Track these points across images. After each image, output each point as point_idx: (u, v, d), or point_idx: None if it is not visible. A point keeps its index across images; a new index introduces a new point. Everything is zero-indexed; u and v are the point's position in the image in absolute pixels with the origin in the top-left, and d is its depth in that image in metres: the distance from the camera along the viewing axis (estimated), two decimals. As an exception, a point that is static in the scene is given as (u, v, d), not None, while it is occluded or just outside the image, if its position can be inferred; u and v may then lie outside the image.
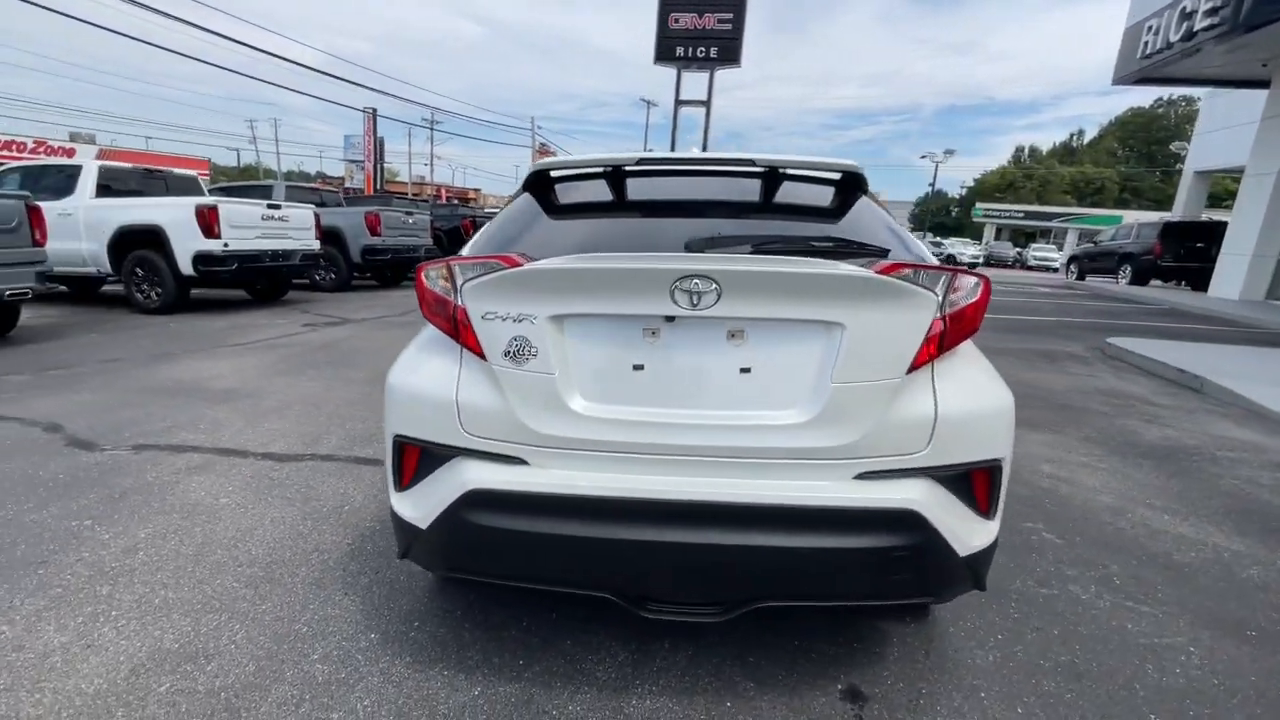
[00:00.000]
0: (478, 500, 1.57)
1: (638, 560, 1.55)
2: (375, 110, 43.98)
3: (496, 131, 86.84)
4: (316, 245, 9.29)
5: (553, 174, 2.15)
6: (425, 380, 1.69)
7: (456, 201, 38.26)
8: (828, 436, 1.54)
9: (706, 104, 26.46)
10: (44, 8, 16.27)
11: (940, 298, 1.53)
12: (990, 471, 1.65)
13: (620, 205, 2.04)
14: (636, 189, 2.09)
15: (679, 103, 27.03)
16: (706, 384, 1.57)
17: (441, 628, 2.04)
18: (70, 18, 17.40)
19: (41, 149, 30.54)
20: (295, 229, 8.57)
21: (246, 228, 7.75)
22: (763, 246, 1.65)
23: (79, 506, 2.81)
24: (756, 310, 1.53)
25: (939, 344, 1.55)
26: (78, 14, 17.73)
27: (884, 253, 1.74)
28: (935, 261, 1.77)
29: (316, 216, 9.19)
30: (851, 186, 2.07)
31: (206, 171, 41.81)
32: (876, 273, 1.52)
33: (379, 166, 45.72)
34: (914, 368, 1.54)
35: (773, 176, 2.02)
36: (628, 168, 2.06)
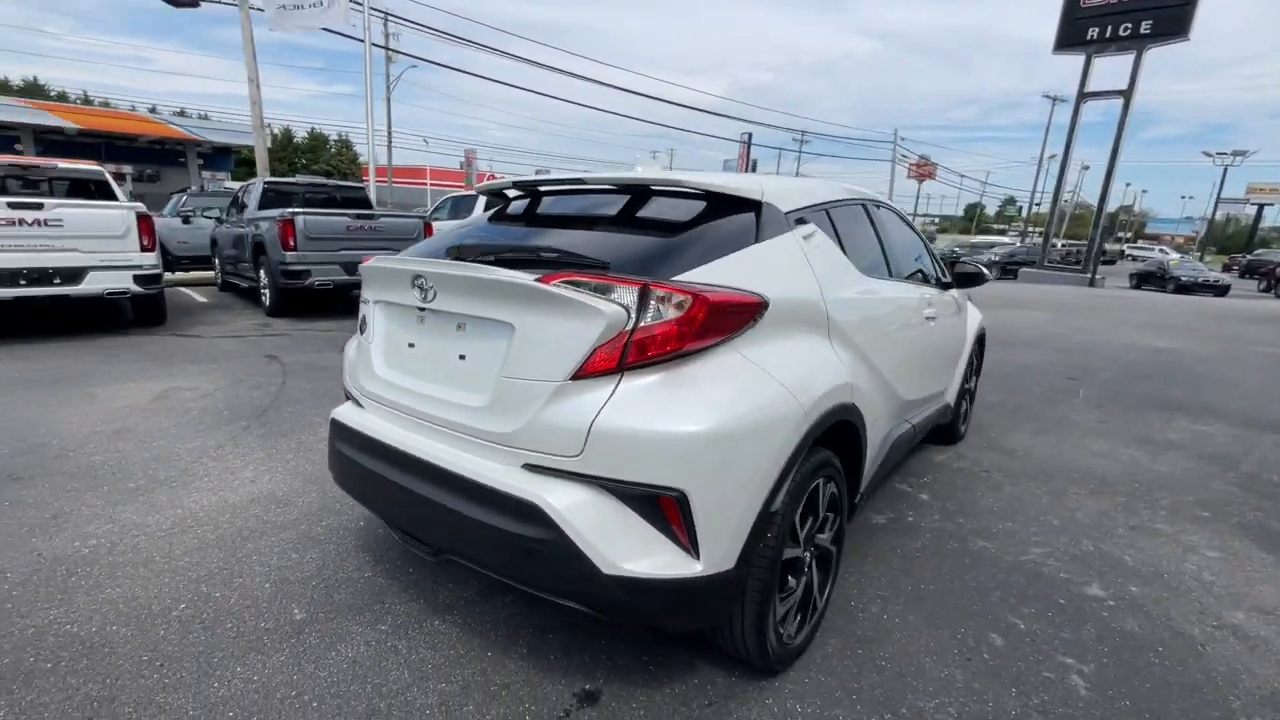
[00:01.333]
0: (336, 430, 2.20)
1: (387, 495, 1.94)
2: (750, 135, 47.78)
3: (870, 148, 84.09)
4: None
5: (501, 192, 2.59)
6: (351, 343, 2.40)
7: None
8: (493, 423, 1.66)
9: (1126, 94, 20.82)
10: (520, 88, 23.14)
11: (629, 312, 1.48)
12: (675, 501, 1.48)
13: (517, 217, 2.34)
14: (546, 205, 2.34)
15: (1083, 96, 21.97)
16: (441, 364, 1.85)
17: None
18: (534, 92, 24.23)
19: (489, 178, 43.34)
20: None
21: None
22: (499, 256, 1.82)
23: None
24: (462, 307, 1.76)
25: (620, 357, 1.48)
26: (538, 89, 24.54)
27: (604, 266, 1.68)
28: (674, 282, 1.59)
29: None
30: (724, 203, 1.90)
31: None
32: (539, 282, 1.58)
33: (749, 187, 49.45)
34: (580, 375, 1.52)
35: (630, 193, 2.05)
36: (542, 188, 2.36)
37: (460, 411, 1.74)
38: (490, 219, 2.34)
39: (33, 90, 47.44)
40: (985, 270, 3.49)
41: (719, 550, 1.49)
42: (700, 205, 1.91)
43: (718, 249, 1.73)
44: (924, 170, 55.35)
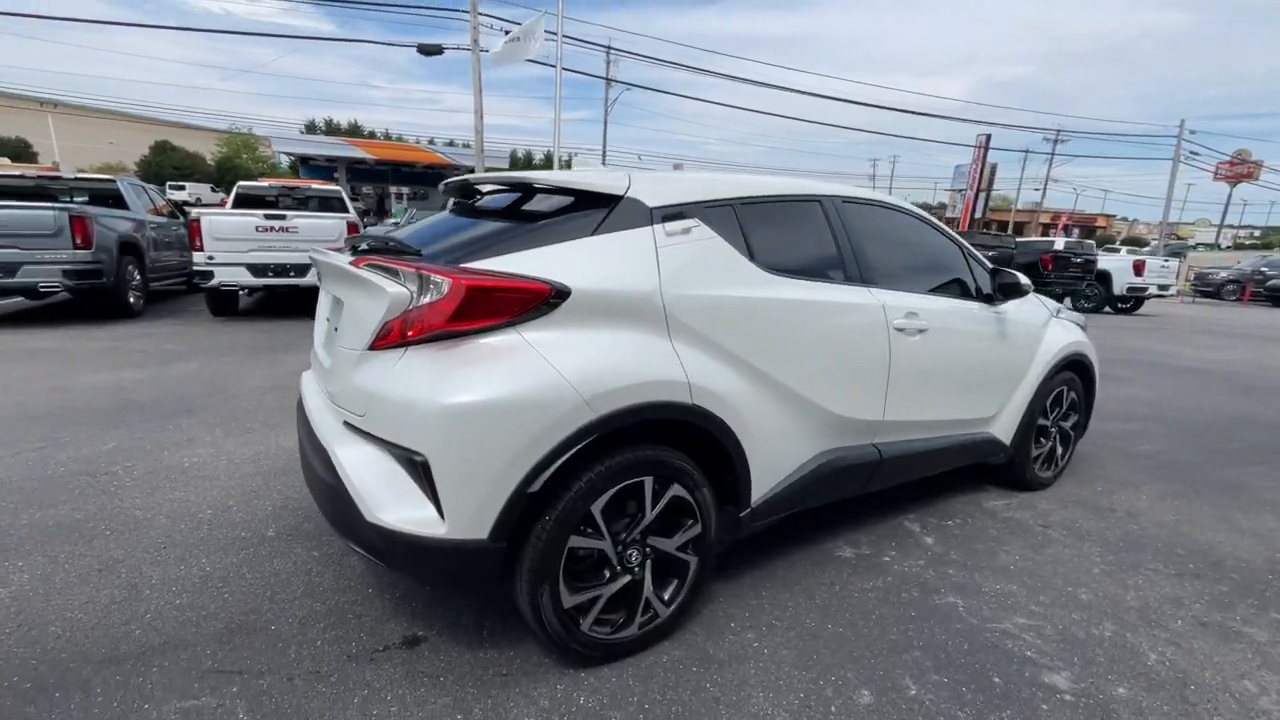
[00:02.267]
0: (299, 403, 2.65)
1: (302, 453, 2.28)
2: (989, 136, 42.56)
3: (1154, 146, 68.54)
4: None
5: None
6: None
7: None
8: (330, 385, 1.93)
9: None
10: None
11: (412, 294, 1.66)
12: (421, 464, 1.60)
13: (451, 213, 2.49)
14: (479, 201, 2.42)
15: None
16: (331, 339, 2.14)
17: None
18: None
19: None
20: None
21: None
22: (370, 245, 2.04)
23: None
24: (333, 289, 2.06)
25: (402, 332, 1.66)
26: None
27: (417, 253, 1.82)
28: (460, 269, 1.67)
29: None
30: (584, 199, 1.93)
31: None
32: (349, 265, 1.84)
33: (981, 194, 44.17)
34: (375, 346, 1.71)
35: (521, 190, 2.15)
36: (479, 186, 2.54)
37: (324, 377, 2.05)
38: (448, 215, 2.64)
39: (353, 130, 61.04)
40: (1023, 281, 2.86)
41: (465, 518, 1.58)
42: (564, 200, 1.98)
43: (542, 240, 1.81)
44: (1240, 170, 43.71)
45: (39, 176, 8.90)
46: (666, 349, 1.82)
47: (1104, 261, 14.82)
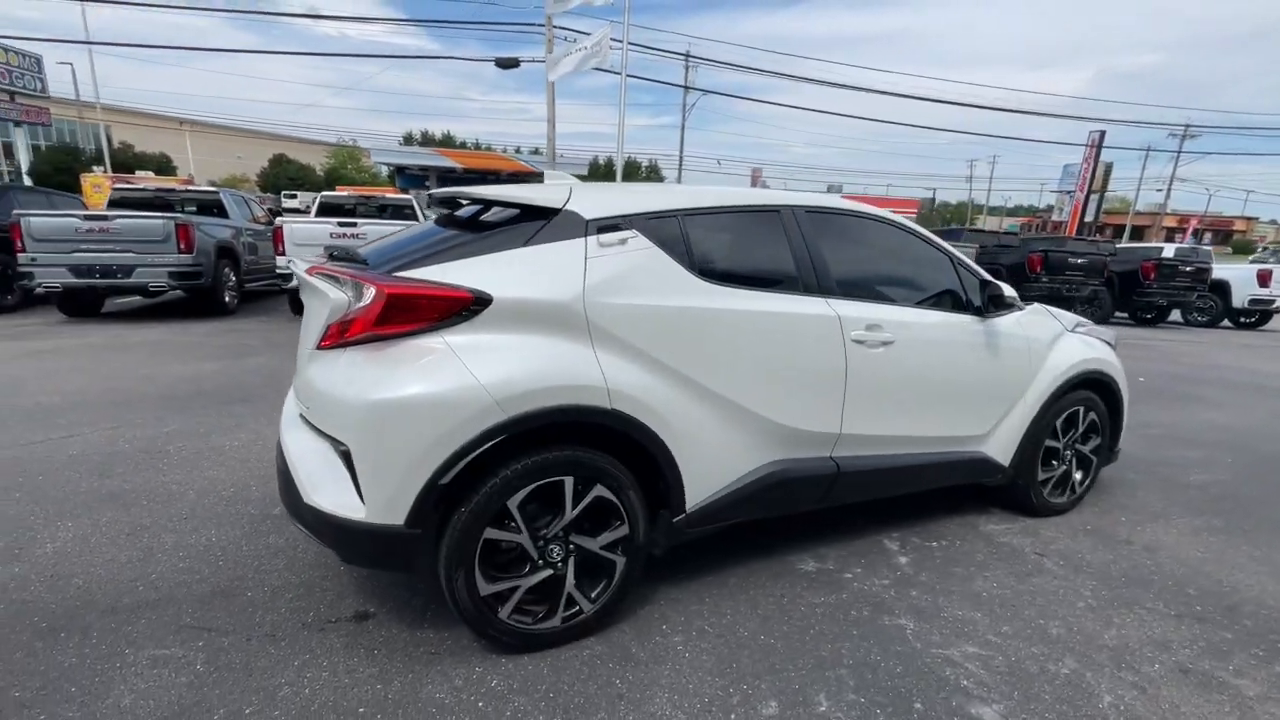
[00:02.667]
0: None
1: None
2: (1102, 133, 39.28)
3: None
4: None
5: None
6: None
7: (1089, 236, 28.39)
8: (295, 381, 2.15)
9: None
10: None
11: (349, 299, 1.83)
12: (344, 454, 1.77)
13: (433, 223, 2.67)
14: (457, 212, 2.61)
15: None
16: (302, 339, 2.31)
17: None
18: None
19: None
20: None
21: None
22: (333, 254, 2.22)
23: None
24: (303, 294, 2.24)
25: (339, 333, 1.83)
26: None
27: (364, 262, 1.98)
28: (394, 278, 1.81)
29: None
30: (528, 212, 2.05)
31: (914, 211, 47.80)
32: (306, 273, 2.03)
33: (1093, 195, 40.78)
34: (321, 346, 1.88)
35: (480, 203, 2.28)
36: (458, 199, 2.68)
37: (296, 374, 2.27)
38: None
39: (445, 141, 64.53)
40: (1006, 292, 2.67)
41: (380, 505, 1.73)
42: (513, 213, 2.11)
43: (480, 251, 1.94)
44: None
45: (157, 189, 10.15)
46: (587, 355, 1.90)
47: (1222, 270, 13.33)
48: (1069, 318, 3.20)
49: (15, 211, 7.54)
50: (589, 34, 12.95)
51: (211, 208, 9.76)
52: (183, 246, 7.81)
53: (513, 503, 1.84)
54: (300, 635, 2.02)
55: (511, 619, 1.92)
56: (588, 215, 2.03)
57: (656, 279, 2.06)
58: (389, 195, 10.43)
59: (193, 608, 2.14)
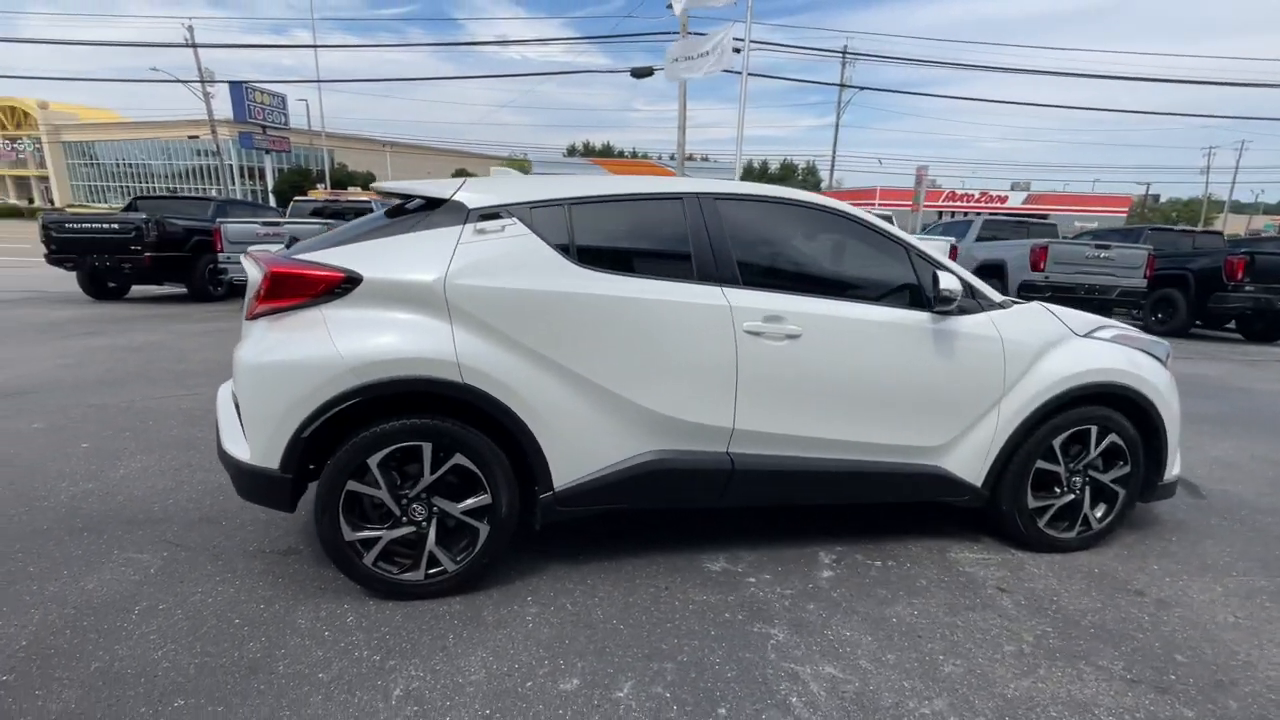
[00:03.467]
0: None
1: None
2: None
3: None
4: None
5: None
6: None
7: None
8: None
9: None
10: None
11: (259, 279, 2.15)
12: (237, 407, 2.11)
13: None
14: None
15: None
16: None
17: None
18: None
19: (983, 198, 39.00)
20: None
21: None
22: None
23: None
24: None
25: (253, 307, 2.15)
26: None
27: (289, 245, 2.28)
28: (291, 260, 2.06)
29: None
30: (428, 202, 2.24)
31: (1125, 210, 40.97)
32: (245, 255, 2.40)
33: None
34: (247, 318, 2.17)
35: (403, 197, 2.50)
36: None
37: None
38: None
39: (606, 151, 67.87)
40: (947, 286, 2.29)
41: (259, 451, 2.04)
42: (419, 204, 2.34)
43: (375, 236, 2.20)
44: None
45: (325, 199, 12.10)
46: (443, 332, 2.06)
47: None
48: (1083, 319, 2.70)
49: (219, 220, 9.44)
50: (705, 34, 13.00)
51: (367, 212, 11.40)
52: None
53: (373, 461, 2.06)
54: (235, 559, 2.42)
55: (377, 565, 2.14)
56: (470, 205, 2.19)
57: (527, 264, 2.15)
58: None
59: (179, 528, 2.64)
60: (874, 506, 2.88)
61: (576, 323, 2.16)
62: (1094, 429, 2.57)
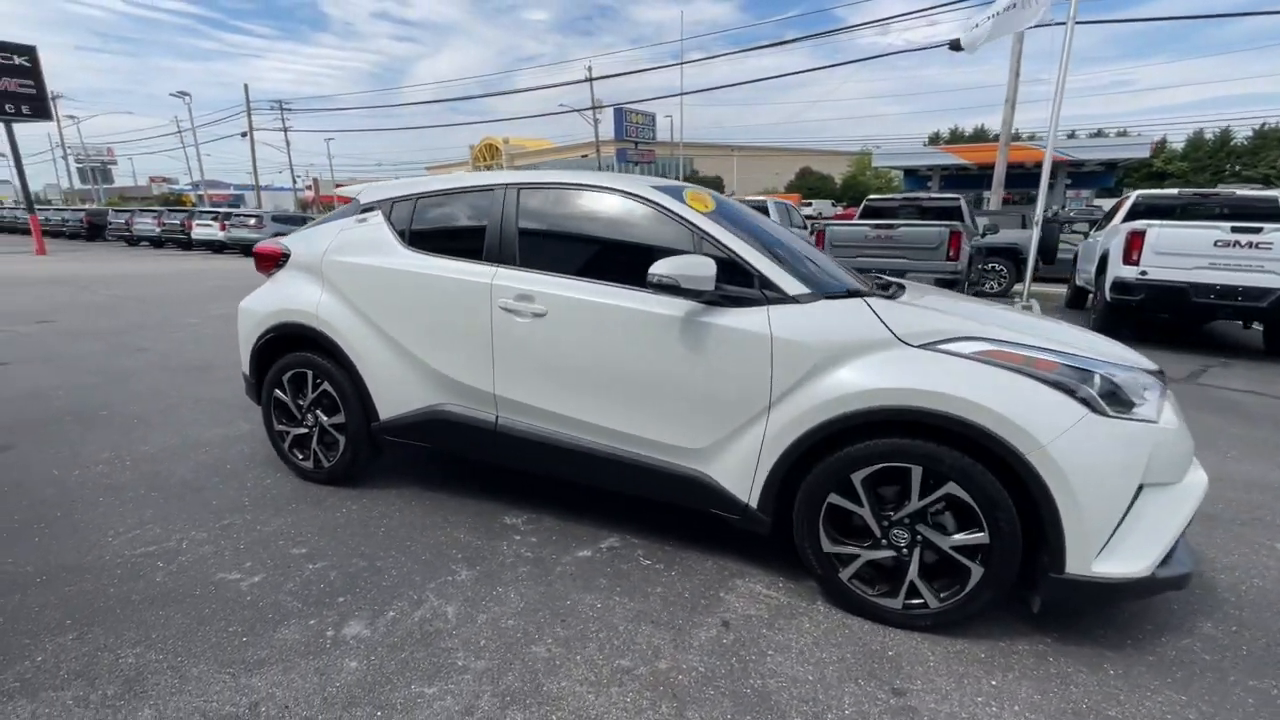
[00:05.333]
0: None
1: None
2: None
3: None
4: None
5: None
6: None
7: None
8: None
9: None
10: None
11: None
12: None
13: None
14: None
15: None
16: None
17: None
18: None
19: None
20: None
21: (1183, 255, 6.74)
22: None
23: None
24: None
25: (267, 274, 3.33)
26: None
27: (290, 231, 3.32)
28: (266, 240, 3.12)
29: None
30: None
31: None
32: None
33: None
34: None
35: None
36: None
37: None
38: None
39: (977, 136, 59.21)
40: (664, 273, 1.87)
41: (245, 361, 3.19)
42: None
43: (320, 224, 3.16)
44: None
45: None
46: (315, 293, 2.90)
47: None
48: (938, 322, 1.99)
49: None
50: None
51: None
52: None
53: (284, 380, 3.04)
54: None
55: (293, 452, 3.13)
56: (362, 201, 2.97)
57: (371, 246, 2.83)
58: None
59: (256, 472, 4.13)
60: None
61: (391, 291, 2.74)
62: (916, 470, 1.95)
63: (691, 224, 2.32)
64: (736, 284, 2.21)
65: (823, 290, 2.18)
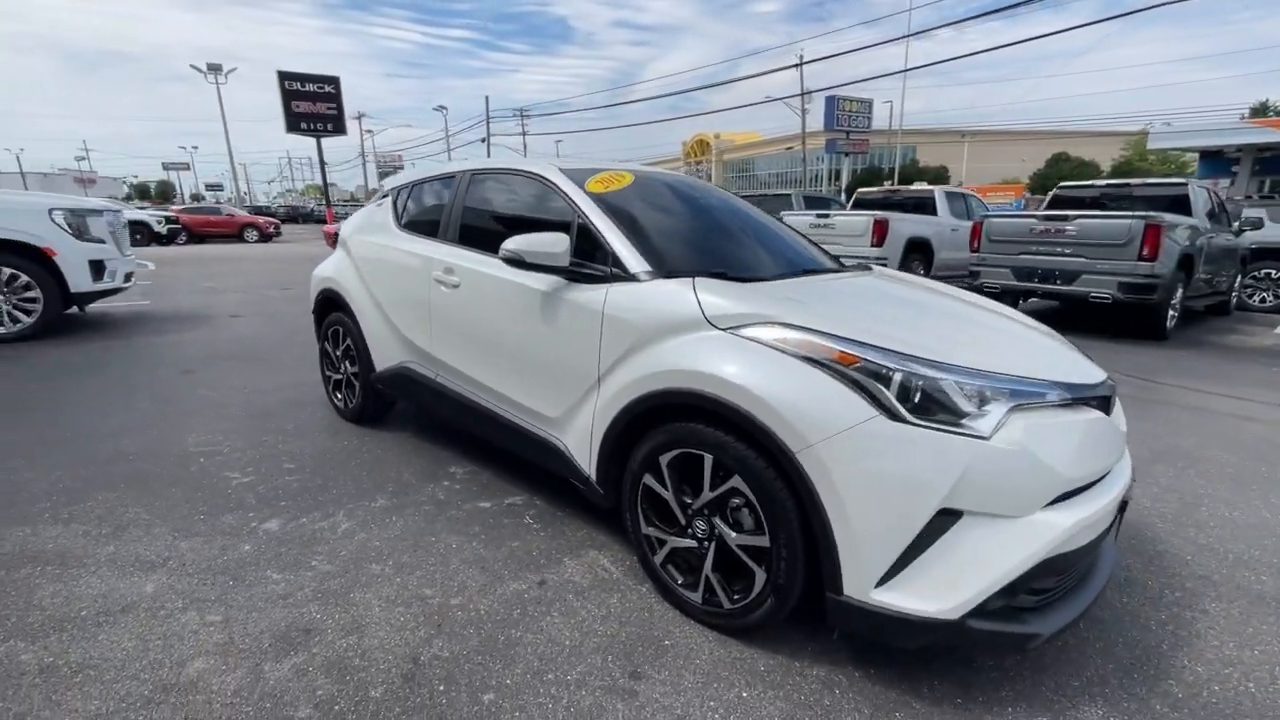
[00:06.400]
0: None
1: None
2: None
3: None
4: None
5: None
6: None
7: None
8: None
9: None
10: None
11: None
12: None
13: None
14: None
15: None
16: None
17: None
18: None
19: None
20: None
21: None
22: None
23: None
24: None
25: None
26: None
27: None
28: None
29: None
30: None
31: None
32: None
33: None
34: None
35: None
36: None
37: None
38: None
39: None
40: (511, 247, 1.90)
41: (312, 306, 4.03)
42: None
43: (361, 209, 3.85)
44: None
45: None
46: (342, 263, 3.56)
47: None
48: (751, 305, 1.83)
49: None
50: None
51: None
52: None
53: (328, 333, 3.78)
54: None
55: (334, 395, 3.87)
56: (385, 188, 3.56)
57: (378, 226, 3.39)
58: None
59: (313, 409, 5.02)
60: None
61: (381, 264, 3.27)
62: (709, 459, 1.86)
63: (573, 202, 2.42)
64: (598, 261, 2.27)
65: (666, 270, 2.14)
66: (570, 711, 1.63)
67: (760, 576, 1.79)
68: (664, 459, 1.97)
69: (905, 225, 9.25)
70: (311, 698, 1.65)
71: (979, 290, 7.30)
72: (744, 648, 1.88)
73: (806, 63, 38.89)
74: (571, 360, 2.26)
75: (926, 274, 9.10)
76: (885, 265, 7.27)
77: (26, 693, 1.64)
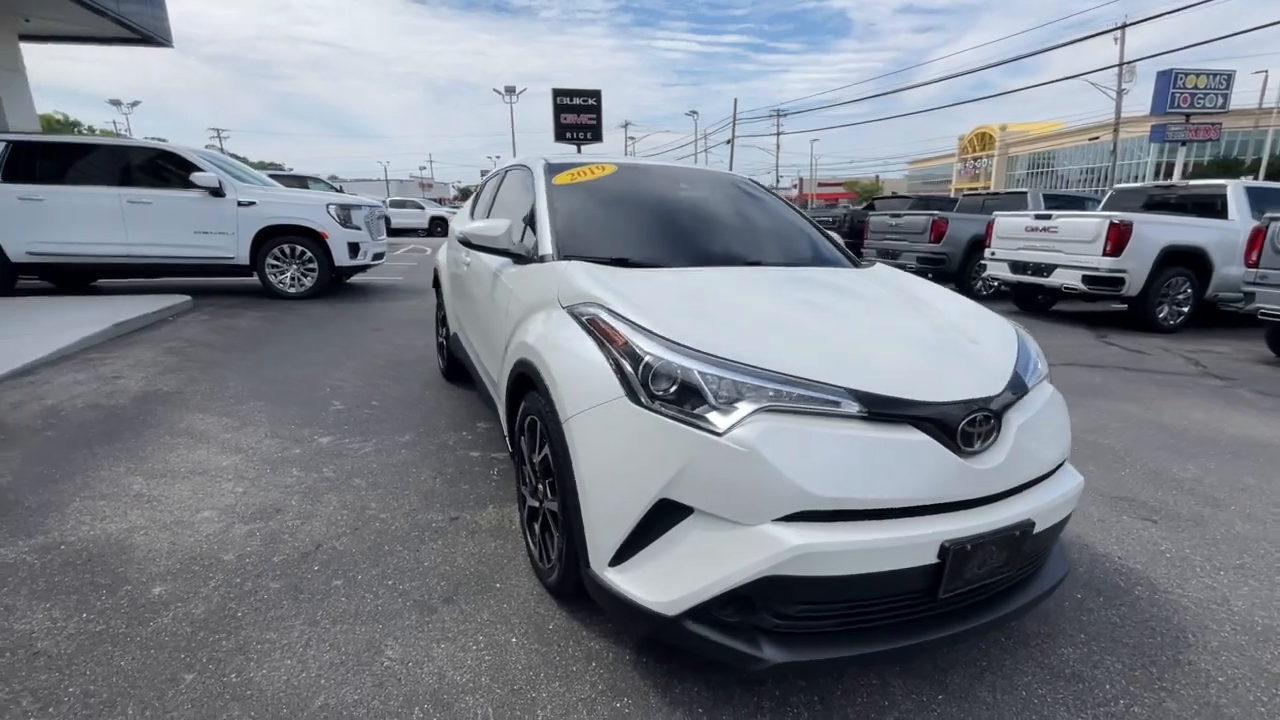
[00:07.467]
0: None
1: None
2: None
3: None
4: None
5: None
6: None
7: None
8: None
9: None
10: None
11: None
12: None
13: None
14: None
15: None
16: None
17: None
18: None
19: None
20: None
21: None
22: None
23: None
24: None
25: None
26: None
27: None
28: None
29: None
30: None
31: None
32: None
33: None
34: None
35: None
36: None
37: None
38: None
39: None
40: (469, 234, 2.17)
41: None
42: None
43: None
44: None
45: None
46: (444, 249, 4.32)
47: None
48: (588, 288, 1.89)
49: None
50: None
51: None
52: (931, 238, 9.83)
53: (437, 305, 4.62)
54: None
55: (439, 356, 4.73)
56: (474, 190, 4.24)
57: (463, 218, 4.05)
58: (1192, 185, 8.18)
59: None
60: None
61: (449, 249, 3.94)
62: (539, 424, 2.02)
63: (535, 192, 2.70)
64: (538, 245, 2.53)
65: (565, 255, 2.31)
66: (377, 608, 1.97)
67: (561, 541, 1.90)
68: (526, 422, 2.17)
69: (1156, 230, 7.25)
70: (242, 551, 2.27)
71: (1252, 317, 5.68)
72: (553, 607, 2.01)
73: (1133, 23, 31.35)
74: (497, 329, 2.57)
75: (1200, 296, 7.47)
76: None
77: (125, 509, 2.56)
